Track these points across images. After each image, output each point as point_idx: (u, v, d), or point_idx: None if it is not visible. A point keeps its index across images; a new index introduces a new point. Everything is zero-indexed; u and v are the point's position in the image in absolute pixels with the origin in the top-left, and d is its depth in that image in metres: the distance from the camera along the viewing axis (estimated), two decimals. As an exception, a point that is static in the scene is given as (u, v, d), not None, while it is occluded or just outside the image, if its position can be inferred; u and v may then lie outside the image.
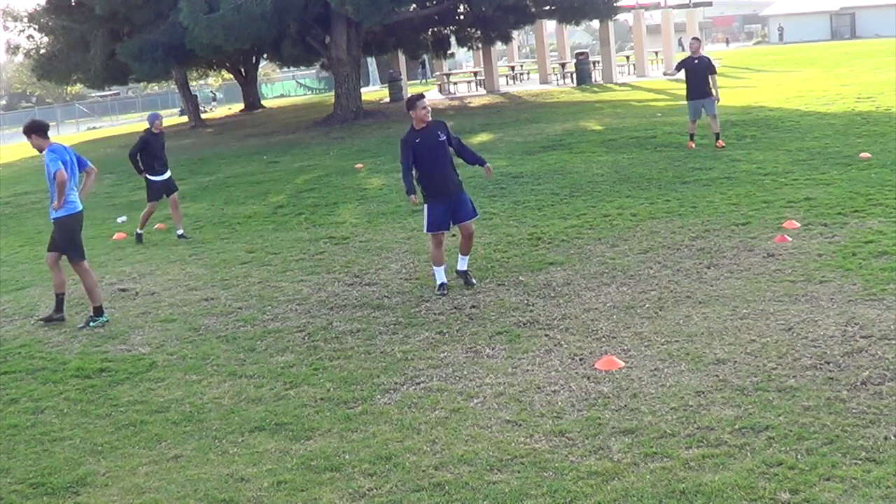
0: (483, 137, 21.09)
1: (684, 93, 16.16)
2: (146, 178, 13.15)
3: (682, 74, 16.25)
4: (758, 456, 4.97)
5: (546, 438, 5.49)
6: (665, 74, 16.02)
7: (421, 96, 9.04)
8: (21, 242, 14.34)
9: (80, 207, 9.14)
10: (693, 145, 15.91)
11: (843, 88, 23.34)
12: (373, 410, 6.19)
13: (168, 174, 13.23)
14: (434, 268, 9.05)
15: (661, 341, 6.93)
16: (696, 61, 15.66)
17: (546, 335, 7.34)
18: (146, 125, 13.29)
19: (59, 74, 36.36)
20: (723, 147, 15.46)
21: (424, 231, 9.03)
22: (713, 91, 15.52)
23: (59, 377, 7.49)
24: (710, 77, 15.50)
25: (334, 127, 27.45)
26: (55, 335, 8.76)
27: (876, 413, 5.33)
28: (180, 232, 13.22)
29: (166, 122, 47.26)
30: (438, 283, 8.92)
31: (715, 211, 11.07)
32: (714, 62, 16.12)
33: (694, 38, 16.78)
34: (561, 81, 37.60)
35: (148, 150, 13.02)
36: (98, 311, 9.03)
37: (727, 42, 73.37)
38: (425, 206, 8.93)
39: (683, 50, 46.27)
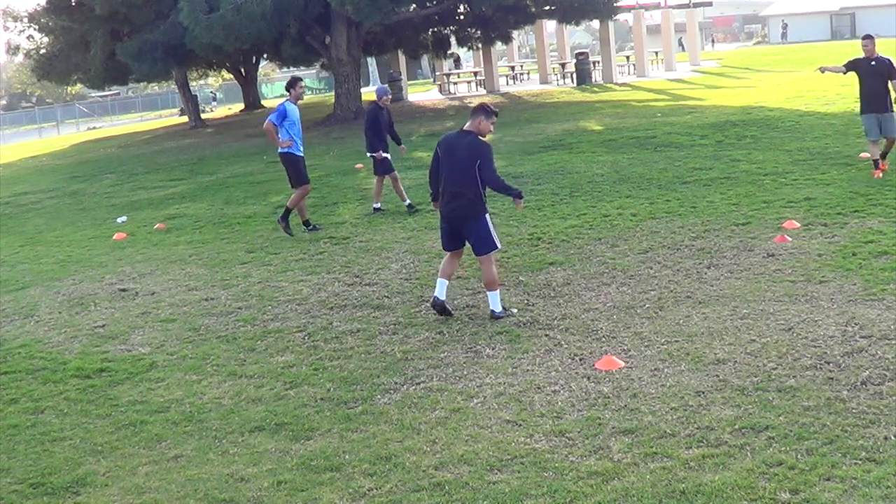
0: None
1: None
2: (375, 157, 13.15)
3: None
4: (758, 456, 4.98)
5: (546, 438, 5.49)
6: (821, 70, 12.82)
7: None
8: (21, 242, 14.33)
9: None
10: (880, 174, 11.95)
11: (843, 88, 23.24)
12: (373, 410, 6.20)
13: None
14: (497, 291, 8.01)
15: (661, 341, 6.93)
16: (874, 63, 12.04)
17: (546, 335, 7.34)
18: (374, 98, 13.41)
19: (59, 74, 36.36)
20: (883, 173, 11.99)
21: (500, 247, 8.20)
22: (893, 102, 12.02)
23: (59, 377, 7.49)
24: (890, 83, 11.93)
25: (334, 127, 27.43)
26: (55, 335, 8.77)
27: (876, 413, 5.34)
28: (377, 205, 13.39)
29: (166, 122, 47.01)
30: (503, 308, 7.98)
31: (715, 211, 11.07)
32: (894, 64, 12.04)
33: (867, 36, 12.20)
34: (561, 81, 37.58)
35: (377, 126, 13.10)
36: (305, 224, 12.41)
37: (712, 42, 73.18)
38: (488, 216, 8.05)
39: (684, 50, 46.29)
